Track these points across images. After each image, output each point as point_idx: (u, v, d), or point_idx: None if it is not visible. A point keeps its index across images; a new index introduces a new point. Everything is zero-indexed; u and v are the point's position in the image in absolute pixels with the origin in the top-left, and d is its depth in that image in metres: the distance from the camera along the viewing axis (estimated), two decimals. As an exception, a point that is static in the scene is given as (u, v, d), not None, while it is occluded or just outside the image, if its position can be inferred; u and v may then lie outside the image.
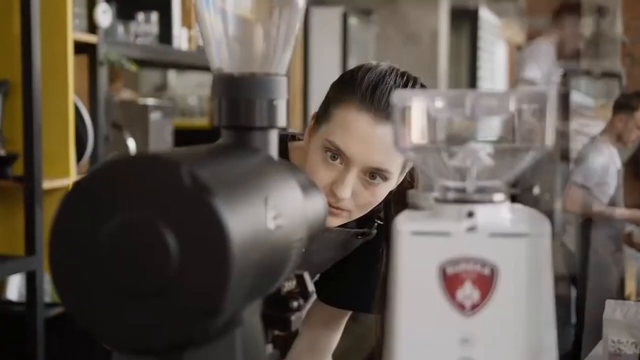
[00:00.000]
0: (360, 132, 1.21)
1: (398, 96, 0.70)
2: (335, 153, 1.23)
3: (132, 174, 0.61)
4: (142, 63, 3.12)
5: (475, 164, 0.70)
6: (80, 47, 2.60)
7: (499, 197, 0.69)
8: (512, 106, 0.68)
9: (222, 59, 0.81)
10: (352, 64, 5.53)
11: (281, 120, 0.81)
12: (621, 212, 4.20)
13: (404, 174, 1.32)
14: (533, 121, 0.68)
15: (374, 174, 1.24)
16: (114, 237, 0.60)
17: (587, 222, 4.18)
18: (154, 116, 2.99)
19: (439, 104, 0.70)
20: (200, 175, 0.60)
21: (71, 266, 0.62)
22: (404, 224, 0.68)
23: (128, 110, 3.04)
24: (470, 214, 0.68)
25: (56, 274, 0.62)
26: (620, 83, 9.42)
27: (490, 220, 0.67)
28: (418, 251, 0.67)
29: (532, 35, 9.68)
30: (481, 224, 0.67)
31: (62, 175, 2.48)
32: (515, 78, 4.34)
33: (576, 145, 4.50)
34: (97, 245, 0.61)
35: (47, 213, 2.38)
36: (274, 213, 0.69)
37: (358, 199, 1.25)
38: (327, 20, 4.97)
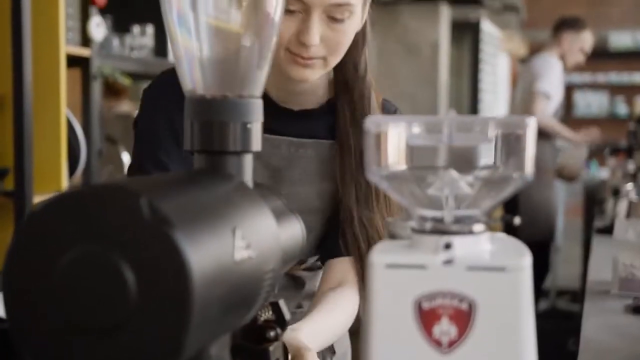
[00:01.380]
0: None
1: (372, 122, 0.67)
2: (291, 2, 1.17)
3: (90, 205, 0.58)
4: (138, 76, 3.09)
5: (454, 193, 0.67)
6: (74, 61, 2.58)
7: (478, 227, 0.66)
8: (490, 133, 0.65)
9: (194, 80, 0.78)
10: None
11: (256, 144, 0.78)
12: (570, 133, 4.42)
13: (367, 7, 1.27)
14: (512, 150, 0.65)
15: (336, 11, 1.18)
16: (70, 270, 0.58)
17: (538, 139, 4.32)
18: (150, 130, 2.96)
19: (416, 130, 0.67)
20: (160, 207, 0.57)
21: (25, 298, 0.59)
22: (379, 255, 0.65)
23: (124, 124, 3.02)
24: (448, 246, 0.65)
25: (10, 305, 0.59)
26: (518, 16, 9.44)
27: (468, 253, 0.64)
28: (393, 285, 0.64)
29: (534, 49, 9.68)
30: (459, 257, 0.64)
31: (54, 190, 2.45)
32: (525, 91, 4.31)
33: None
34: (53, 278, 0.58)
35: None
36: (243, 244, 0.66)
37: (328, 42, 1.20)
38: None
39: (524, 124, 0.65)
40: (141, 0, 2.52)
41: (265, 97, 1.25)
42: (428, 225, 0.66)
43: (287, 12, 1.17)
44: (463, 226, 0.66)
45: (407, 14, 5.16)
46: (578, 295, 5.11)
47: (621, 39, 9.69)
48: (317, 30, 1.18)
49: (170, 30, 0.78)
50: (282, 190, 1.24)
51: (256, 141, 0.78)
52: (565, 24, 4.39)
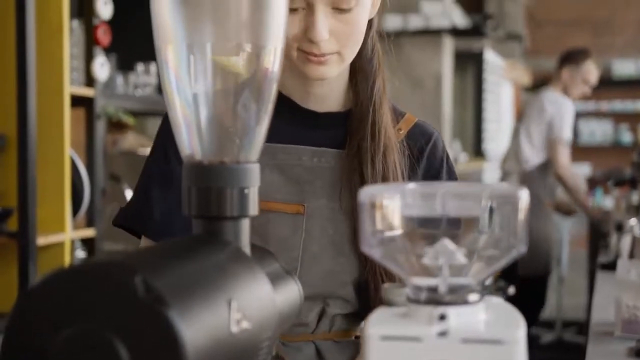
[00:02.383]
0: None
1: (366, 192, 0.67)
2: (291, 1, 1.11)
3: (85, 283, 0.58)
4: (142, 113, 3.12)
5: (448, 262, 0.67)
6: (78, 100, 2.60)
7: (473, 297, 0.66)
8: (483, 204, 0.65)
9: (192, 146, 0.79)
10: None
11: (253, 209, 0.79)
12: (583, 198, 4.44)
13: None
14: (506, 219, 0.66)
15: (341, 1, 1.12)
16: (66, 348, 0.58)
17: (533, 173, 4.29)
18: (153, 166, 2.97)
19: (409, 200, 0.67)
20: (155, 285, 0.57)
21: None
22: (374, 327, 0.65)
23: (129, 161, 3.03)
24: (442, 317, 0.65)
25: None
26: (521, 44, 9.45)
27: (463, 324, 0.64)
28: (389, 357, 0.64)
29: (537, 77, 9.71)
30: (454, 328, 0.64)
31: (58, 230, 2.46)
32: (550, 137, 4.27)
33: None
34: (49, 356, 0.58)
35: (42, 270, 2.36)
36: (239, 315, 0.66)
37: (339, 35, 1.13)
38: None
39: (517, 195, 0.65)
40: (145, 39, 2.53)
41: (288, 100, 1.24)
42: (423, 295, 0.67)
43: (291, 10, 1.12)
44: (458, 296, 0.66)
45: (410, 46, 5.19)
46: (584, 328, 5.09)
47: (625, 68, 9.72)
48: (324, 24, 1.11)
49: (168, 96, 0.79)
50: (306, 204, 1.20)
51: (253, 205, 0.79)
52: (566, 58, 4.42)
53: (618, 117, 9.86)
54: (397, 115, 1.28)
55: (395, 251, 0.68)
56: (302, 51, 1.14)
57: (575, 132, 10.02)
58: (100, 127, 2.66)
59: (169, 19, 0.77)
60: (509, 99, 9.06)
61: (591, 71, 4.43)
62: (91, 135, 2.64)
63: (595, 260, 3.98)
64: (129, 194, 2.91)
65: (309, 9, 1.12)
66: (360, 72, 1.24)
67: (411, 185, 0.69)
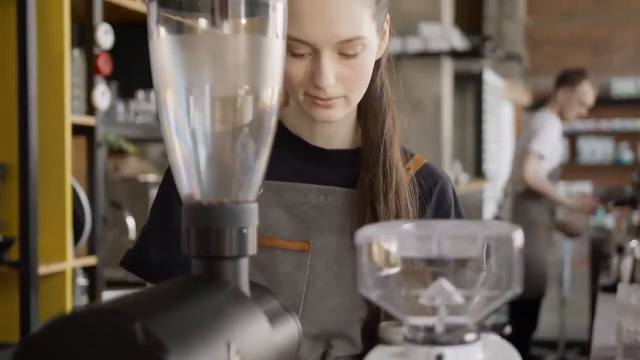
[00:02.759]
0: (310, 12, 1.09)
1: (363, 235, 0.68)
2: (297, 47, 1.10)
3: (85, 330, 0.59)
4: (143, 141, 3.13)
5: (445, 303, 0.68)
6: (79, 129, 2.61)
7: (470, 337, 0.67)
8: (479, 248, 0.66)
9: (192, 186, 0.80)
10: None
11: (252, 248, 0.80)
12: (561, 197, 4.43)
13: (383, 31, 1.19)
14: (502, 261, 0.67)
15: (347, 47, 1.11)
16: (67, 394, 0.59)
17: (526, 194, 4.30)
18: (155, 193, 2.98)
19: (406, 241, 0.68)
20: (154, 332, 0.58)
21: None
22: (372, 368, 0.66)
23: (129, 188, 3.04)
24: (440, 358, 0.65)
25: None
26: (521, 65, 9.47)
27: (460, 365, 0.65)
28: (386, 398, 0.65)
29: (537, 97, 9.74)
30: (451, 369, 0.64)
31: (59, 259, 2.47)
32: (522, 149, 4.36)
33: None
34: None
35: (43, 300, 2.36)
36: (238, 358, 0.67)
37: (345, 80, 1.13)
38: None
39: (512, 237, 0.66)
40: (146, 67, 2.55)
41: (296, 139, 1.25)
42: (420, 336, 0.67)
43: (297, 55, 1.12)
44: (455, 336, 0.67)
45: (410, 69, 5.22)
46: (587, 348, 5.07)
47: (624, 87, 9.75)
48: (330, 71, 1.11)
49: (167, 137, 0.80)
50: (312, 241, 1.20)
51: (252, 245, 0.79)
52: (562, 80, 4.45)
53: (618, 136, 9.88)
54: (407, 156, 1.28)
55: (392, 292, 0.69)
56: (309, 95, 1.15)
57: (576, 151, 10.05)
58: (102, 155, 2.67)
59: (168, 62, 0.78)
60: (509, 119, 9.08)
61: (587, 93, 4.44)
62: (92, 164, 2.65)
63: (597, 281, 3.98)
64: (130, 221, 2.92)
65: (316, 55, 1.11)
66: (370, 111, 1.24)
67: (407, 227, 0.70)
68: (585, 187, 9.96)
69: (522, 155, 4.33)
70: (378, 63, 1.23)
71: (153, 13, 0.77)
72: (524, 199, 4.37)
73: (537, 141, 4.25)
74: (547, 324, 6.52)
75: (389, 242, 0.68)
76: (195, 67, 0.78)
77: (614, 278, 3.10)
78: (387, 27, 1.21)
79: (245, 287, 0.79)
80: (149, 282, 1.24)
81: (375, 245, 0.68)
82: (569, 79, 4.42)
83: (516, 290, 0.67)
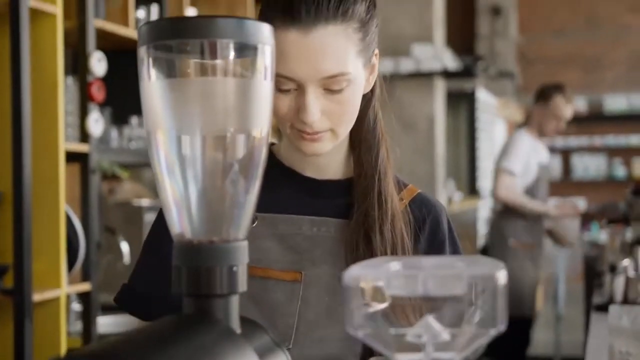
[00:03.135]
0: (295, 49, 1.10)
1: (350, 276, 0.69)
2: (282, 83, 1.12)
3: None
4: (137, 165, 3.15)
5: (431, 340, 0.69)
6: (73, 156, 2.63)
7: (456, 374, 0.68)
8: (463, 286, 0.68)
9: (182, 225, 0.81)
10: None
11: (242, 285, 0.81)
12: (538, 206, 4.40)
13: (371, 65, 1.20)
14: (487, 299, 0.68)
15: (332, 83, 1.12)
16: None
17: (503, 213, 4.30)
18: (149, 217, 3.00)
19: (392, 280, 0.69)
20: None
21: None
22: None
23: (123, 212, 3.05)
24: (427, 395, 0.67)
25: None
26: (513, 82, 9.48)
27: (446, 403, 0.66)
28: None
29: (529, 114, 9.79)
30: (437, 407, 0.66)
31: (53, 286, 2.47)
32: (495, 167, 4.40)
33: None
34: None
35: (37, 326, 2.36)
36: (228, 397, 0.68)
37: (331, 114, 1.14)
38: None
39: (495, 276, 0.67)
40: (139, 93, 2.57)
41: (289, 170, 1.26)
42: (407, 374, 0.69)
43: (283, 91, 1.14)
44: (441, 373, 0.68)
45: (402, 89, 5.25)
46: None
47: (616, 103, 9.80)
48: (314, 106, 1.12)
49: (158, 177, 0.82)
50: (304, 272, 1.21)
51: (242, 282, 0.81)
52: (537, 96, 4.49)
53: (611, 152, 9.93)
54: (400, 185, 1.29)
55: (379, 330, 0.70)
56: (295, 129, 1.16)
57: (569, 167, 10.10)
58: (95, 181, 2.69)
59: (158, 104, 0.80)
60: (502, 136, 9.12)
61: (560, 106, 4.40)
62: (86, 190, 2.66)
63: (590, 298, 3.99)
64: (124, 246, 2.93)
65: (301, 90, 1.13)
66: (363, 142, 1.25)
67: (394, 265, 0.71)
68: (579, 203, 9.99)
69: (495, 173, 4.38)
70: (370, 95, 1.25)
71: (144, 56, 0.79)
72: (501, 218, 4.39)
73: (506, 158, 4.29)
74: (542, 341, 6.53)
75: (376, 281, 0.69)
76: (185, 109, 0.79)
77: (607, 297, 3.11)
78: (375, 60, 1.22)
79: (236, 324, 0.80)
80: (142, 320, 1.25)
81: (362, 285, 0.70)
82: (543, 94, 4.44)
83: (500, 327, 0.68)
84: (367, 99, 1.23)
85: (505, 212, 4.34)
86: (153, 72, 0.79)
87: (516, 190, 4.29)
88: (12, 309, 2.34)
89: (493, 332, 0.69)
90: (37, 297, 2.39)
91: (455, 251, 1.29)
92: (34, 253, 2.39)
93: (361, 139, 1.26)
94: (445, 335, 0.69)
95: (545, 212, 4.49)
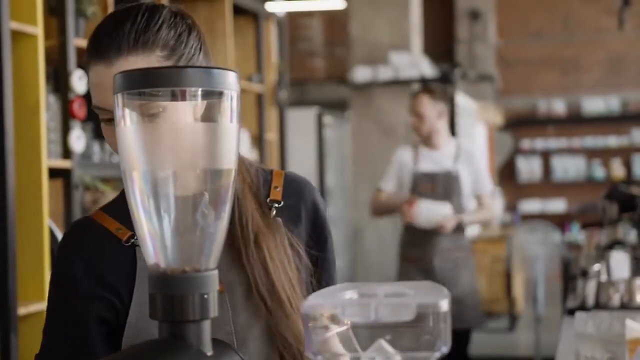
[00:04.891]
0: (101, 80, 1.17)
1: (308, 305, 0.77)
2: (101, 113, 1.19)
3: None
4: (119, 179, 3.22)
5: (383, 362, 0.76)
6: (56, 172, 2.68)
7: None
8: (411, 313, 0.75)
9: (157, 256, 0.88)
10: (328, 161, 5.66)
11: (213, 310, 0.88)
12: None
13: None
14: (430, 325, 0.75)
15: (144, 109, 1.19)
16: None
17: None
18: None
19: (347, 310, 0.77)
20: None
21: None
22: None
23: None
24: (378, 412, 0.74)
25: None
26: (493, 85, 9.50)
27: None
28: None
29: (510, 116, 9.90)
30: None
31: (38, 299, 2.53)
32: (476, 193, 4.13)
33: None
34: None
35: (23, 340, 2.42)
36: (199, 417, 0.75)
37: None
38: (303, 120, 5.09)
39: (439, 305, 0.75)
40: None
41: None
42: (361, 392, 0.76)
43: (104, 121, 1.19)
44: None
45: (380, 96, 5.33)
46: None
47: (594, 105, 9.93)
48: None
49: (133, 213, 0.88)
50: (224, 281, 1.23)
51: (213, 307, 0.88)
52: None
53: (590, 153, 10.06)
54: (266, 176, 1.32)
55: (335, 355, 0.77)
56: None
57: (549, 169, 10.22)
58: (78, 197, 2.75)
59: (133, 146, 0.87)
60: (483, 140, 9.22)
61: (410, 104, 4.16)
62: (69, 205, 2.72)
63: (566, 301, 4.07)
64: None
65: None
66: None
67: (348, 295, 0.79)
68: (559, 204, 10.13)
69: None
70: None
71: (119, 103, 0.86)
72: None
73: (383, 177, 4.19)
74: (523, 341, 6.63)
75: (332, 309, 0.77)
76: (157, 150, 0.86)
77: (579, 301, 3.19)
78: None
79: (208, 347, 0.87)
80: None
81: (320, 314, 0.77)
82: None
83: (443, 349, 0.75)
84: None
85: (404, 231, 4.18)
86: (127, 117, 0.86)
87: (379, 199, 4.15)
88: (-3, 323, 2.40)
89: (437, 354, 0.76)
90: (22, 310, 2.44)
91: (328, 230, 1.34)
92: (18, 267, 2.45)
93: None
94: (397, 357, 0.77)
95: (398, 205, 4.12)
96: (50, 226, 2.60)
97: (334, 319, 0.77)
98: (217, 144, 0.87)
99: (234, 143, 0.89)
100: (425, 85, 4.27)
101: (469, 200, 4.08)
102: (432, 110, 4.01)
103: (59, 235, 2.64)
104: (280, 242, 1.26)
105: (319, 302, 0.77)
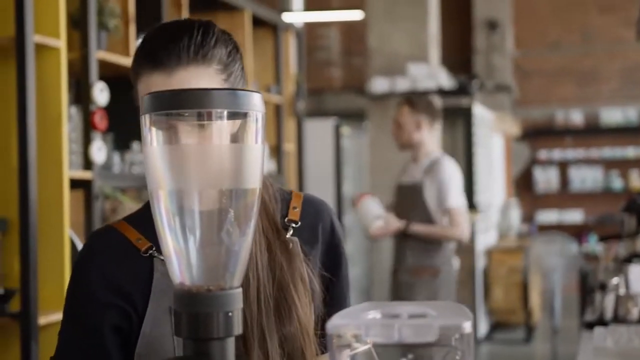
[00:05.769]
0: (160, 89, 1.17)
1: (332, 325, 0.78)
2: None
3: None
4: (139, 189, 3.24)
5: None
6: (77, 183, 2.71)
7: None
8: (434, 335, 0.76)
9: (182, 274, 0.90)
10: (346, 170, 5.67)
11: (237, 328, 0.89)
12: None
13: None
14: (455, 347, 0.76)
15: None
16: None
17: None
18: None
19: (371, 330, 0.78)
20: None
21: None
22: None
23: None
24: None
25: None
26: (510, 95, 9.41)
27: None
28: None
29: (527, 127, 9.87)
30: None
31: (59, 309, 2.55)
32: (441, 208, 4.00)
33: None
34: None
35: (43, 349, 2.44)
36: None
37: None
38: (321, 131, 5.10)
39: (462, 326, 0.76)
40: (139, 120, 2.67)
41: None
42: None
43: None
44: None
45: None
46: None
47: (612, 116, 9.89)
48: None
49: (160, 232, 0.90)
50: None
51: (237, 325, 0.89)
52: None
53: (608, 164, 10.01)
54: (284, 196, 1.34)
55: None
56: None
57: (567, 180, 10.18)
58: (98, 207, 2.77)
59: (159, 166, 0.88)
60: (500, 150, 9.20)
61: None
62: (89, 216, 2.75)
63: (584, 313, 4.05)
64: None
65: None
66: None
67: (372, 315, 0.80)
68: (576, 215, 10.08)
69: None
70: None
71: (146, 123, 0.88)
72: None
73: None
74: (540, 353, 6.60)
75: (356, 330, 0.78)
76: (183, 171, 0.88)
77: (597, 314, 3.18)
78: None
79: (232, 364, 0.88)
80: None
81: (344, 334, 0.78)
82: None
83: (466, 370, 0.76)
84: None
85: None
86: (154, 138, 0.87)
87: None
88: (19, 333, 2.42)
89: (460, 375, 0.77)
90: (42, 320, 2.47)
91: (343, 251, 1.36)
92: (40, 277, 2.47)
93: None
94: (419, 376, 0.78)
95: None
96: (71, 236, 2.63)
97: (358, 339, 0.78)
98: (243, 164, 0.89)
99: (259, 163, 0.90)
100: (409, 96, 4.27)
101: (438, 214, 3.97)
102: (409, 120, 4.03)
103: (80, 245, 2.66)
104: (293, 261, 1.27)
105: (343, 322, 0.78)
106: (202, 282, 0.89)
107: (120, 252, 1.27)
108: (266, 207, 1.30)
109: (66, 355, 1.27)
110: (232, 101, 0.87)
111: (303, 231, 1.31)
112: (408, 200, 4.05)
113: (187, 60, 1.19)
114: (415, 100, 4.16)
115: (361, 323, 0.78)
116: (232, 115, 0.87)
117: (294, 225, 1.31)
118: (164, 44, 1.20)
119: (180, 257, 0.89)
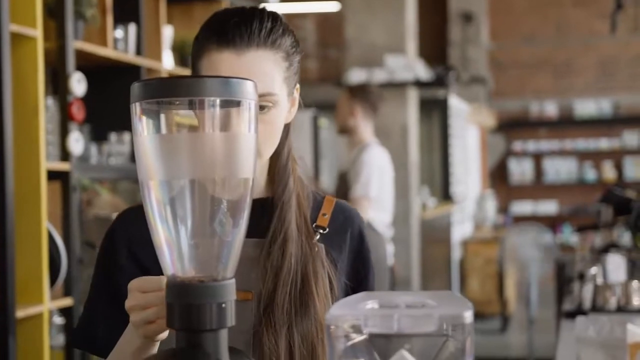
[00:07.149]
0: (228, 68, 1.19)
1: (331, 315, 0.77)
2: None
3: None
4: (116, 180, 3.21)
5: (404, 373, 0.76)
6: (54, 174, 2.68)
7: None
8: (434, 325, 0.75)
9: (174, 266, 0.88)
10: (323, 163, 5.66)
11: (230, 319, 0.88)
12: None
13: (292, 98, 1.28)
14: (455, 338, 0.75)
15: (260, 101, 1.15)
16: None
17: None
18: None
19: (370, 321, 0.77)
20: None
21: None
22: None
23: (102, 227, 3.09)
24: (400, 423, 0.74)
25: None
26: (486, 87, 9.47)
27: None
28: None
29: (502, 118, 9.92)
30: None
31: (36, 302, 2.52)
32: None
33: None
34: None
35: (21, 342, 2.41)
36: None
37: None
38: (298, 122, 5.05)
39: (463, 316, 0.75)
40: (118, 110, 2.64)
41: None
42: (382, 403, 0.76)
43: None
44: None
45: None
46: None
47: (586, 108, 9.96)
48: None
49: (151, 223, 0.88)
50: (255, 291, 1.24)
51: (230, 316, 0.88)
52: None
53: (582, 156, 10.09)
54: (317, 198, 1.34)
55: (357, 363, 0.77)
56: None
57: (541, 171, 10.25)
58: (76, 199, 2.74)
59: (150, 156, 0.86)
60: (475, 142, 9.24)
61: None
62: (67, 208, 2.71)
63: (561, 302, 4.08)
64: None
65: None
66: (277, 174, 1.30)
67: (370, 305, 0.79)
68: (550, 206, 10.16)
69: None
70: (287, 128, 1.31)
71: (136, 112, 0.86)
72: None
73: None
74: (516, 343, 6.65)
75: (355, 320, 0.77)
76: (174, 160, 0.86)
77: (576, 304, 3.20)
78: (297, 94, 1.30)
79: (225, 356, 0.87)
80: (102, 357, 1.25)
81: (342, 325, 0.77)
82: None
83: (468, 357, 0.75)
84: (286, 130, 1.30)
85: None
86: (145, 127, 0.86)
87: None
88: (-4, 326, 2.39)
89: (459, 365, 0.76)
90: (20, 313, 2.44)
91: (371, 262, 1.36)
92: (17, 270, 2.44)
93: (276, 170, 1.31)
94: (417, 367, 0.77)
95: None
96: (49, 229, 2.59)
97: (356, 329, 0.77)
98: (235, 153, 0.87)
99: (252, 152, 0.89)
100: (355, 85, 4.34)
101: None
102: (344, 105, 4.10)
103: (58, 238, 2.63)
104: (316, 263, 1.27)
105: (342, 312, 0.77)
106: (194, 274, 0.88)
107: (145, 231, 1.24)
108: (300, 204, 1.30)
109: (88, 320, 1.27)
110: (225, 89, 0.85)
111: (330, 238, 1.31)
112: (341, 188, 4.11)
113: (258, 43, 1.21)
114: (354, 88, 4.25)
115: (360, 313, 0.77)
116: (225, 104, 0.86)
117: (321, 231, 1.31)
118: (237, 24, 1.21)
119: (172, 248, 0.88)
